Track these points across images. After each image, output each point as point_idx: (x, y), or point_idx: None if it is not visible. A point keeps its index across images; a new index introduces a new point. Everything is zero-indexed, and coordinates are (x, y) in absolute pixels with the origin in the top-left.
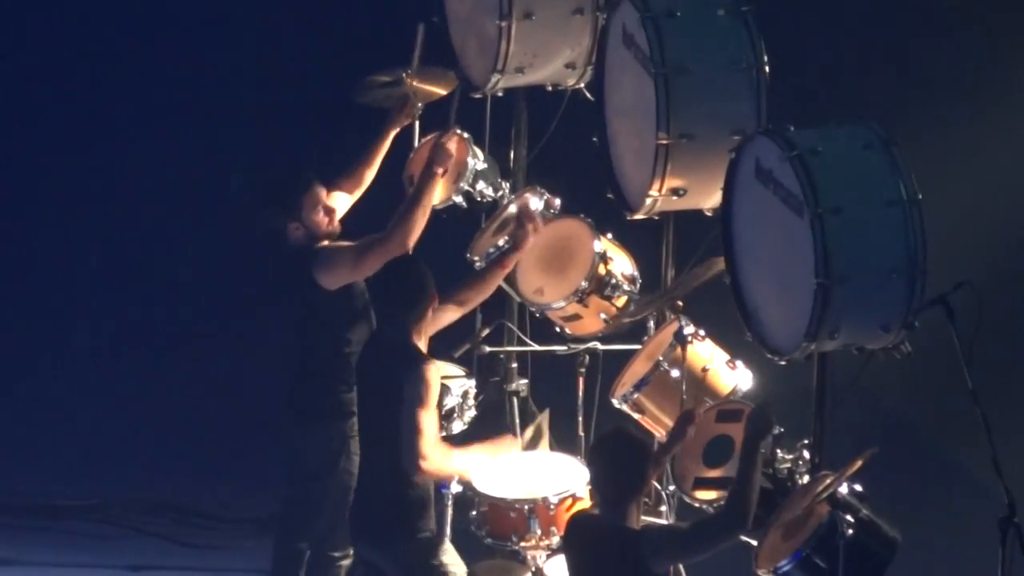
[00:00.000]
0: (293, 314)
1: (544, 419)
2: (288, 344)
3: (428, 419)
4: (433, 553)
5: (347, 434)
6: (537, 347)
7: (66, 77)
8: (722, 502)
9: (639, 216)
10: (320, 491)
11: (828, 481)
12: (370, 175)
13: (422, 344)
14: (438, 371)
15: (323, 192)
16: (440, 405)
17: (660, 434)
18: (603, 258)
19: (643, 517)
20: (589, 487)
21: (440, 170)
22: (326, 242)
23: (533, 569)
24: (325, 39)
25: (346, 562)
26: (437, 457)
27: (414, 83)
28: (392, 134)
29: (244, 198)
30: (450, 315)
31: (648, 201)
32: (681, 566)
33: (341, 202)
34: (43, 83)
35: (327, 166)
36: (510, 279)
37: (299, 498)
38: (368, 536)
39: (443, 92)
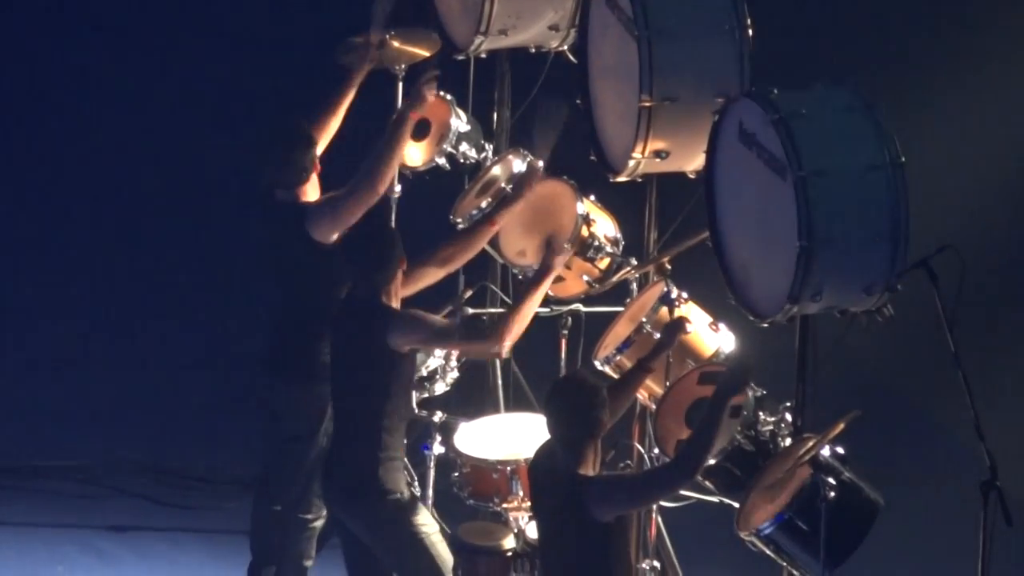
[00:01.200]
0: (277, 275)
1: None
2: (272, 305)
3: (440, 329)
4: (405, 514)
5: (326, 397)
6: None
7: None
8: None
9: (622, 178)
10: (299, 453)
11: (810, 444)
12: (335, 123)
13: (395, 304)
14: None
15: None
16: (419, 368)
17: (643, 396)
18: (586, 220)
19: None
20: None
21: (412, 113)
22: (305, 198)
23: (515, 530)
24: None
25: (318, 523)
26: (504, 333)
27: (396, 44)
28: (356, 82)
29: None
30: (433, 274)
31: (631, 163)
32: (662, 526)
33: None
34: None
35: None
36: (493, 241)
37: (278, 460)
38: (340, 498)
39: (426, 54)
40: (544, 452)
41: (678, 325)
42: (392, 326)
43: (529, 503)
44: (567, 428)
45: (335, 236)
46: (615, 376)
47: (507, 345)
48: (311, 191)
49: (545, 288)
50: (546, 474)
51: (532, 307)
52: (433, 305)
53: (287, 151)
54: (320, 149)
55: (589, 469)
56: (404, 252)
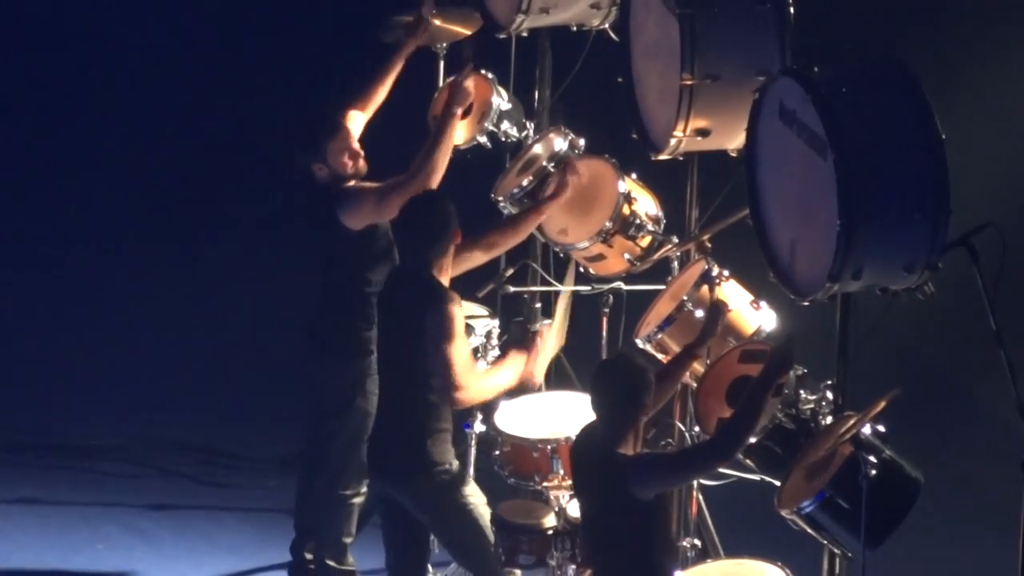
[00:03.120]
0: (317, 252)
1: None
2: (312, 282)
3: (457, 350)
4: (454, 487)
5: (365, 372)
6: (561, 287)
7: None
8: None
9: (663, 156)
10: (335, 428)
11: (851, 422)
12: (382, 92)
13: (444, 280)
14: (461, 306)
15: (351, 137)
16: None
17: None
18: (627, 198)
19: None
20: None
21: (459, 110)
22: (352, 182)
23: (556, 509)
24: None
25: (358, 500)
26: (473, 384)
27: (437, 22)
28: (405, 54)
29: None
30: (477, 258)
31: (672, 142)
32: (703, 504)
33: (355, 122)
34: None
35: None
36: None
37: (318, 435)
38: (388, 472)
39: (467, 32)
40: (586, 433)
41: (718, 310)
42: (440, 302)
43: (572, 483)
44: (611, 409)
45: (367, 224)
46: (659, 357)
47: (431, 183)
48: (344, 182)
49: (453, 126)
50: (587, 455)
51: (443, 147)
52: (475, 283)
53: (312, 136)
54: (365, 119)
55: (629, 450)
56: (459, 226)
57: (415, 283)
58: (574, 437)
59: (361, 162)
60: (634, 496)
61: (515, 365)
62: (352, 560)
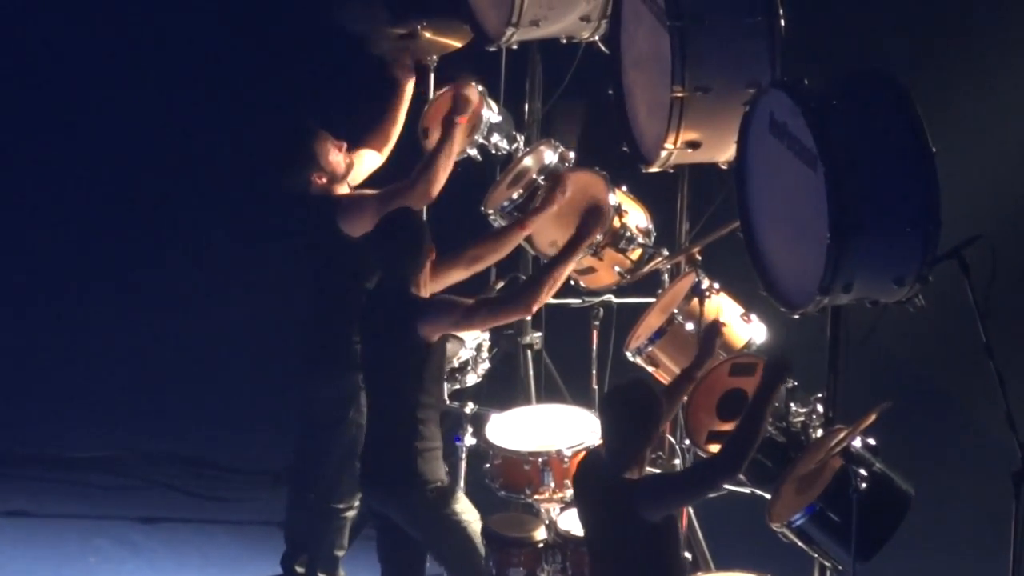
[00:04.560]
0: (311, 263)
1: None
2: (304, 294)
3: (477, 309)
4: (445, 502)
5: (358, 385)
6: (551, 300)
7: None
8: None
9: (654, 169)
10: (328, 441)
11: (842, 435)
12: (395, 131)
13: (424, 295)
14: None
15: (330, 137)
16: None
17: None
18: (618, 211)
19: (651, 470)
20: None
21: (461, 119)
22: (346, 189)
23: (547, 522)
24: None
25: (350, 513)
26: (533, 298)
27: (428, 35)
28: (408, 86)
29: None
30: (459, 273)
31: (663, 154)
32: (693, 518)
33: (370, 159)
34: None
35: (347, 123)
36: None
37: (309, 448)
38: (379, 487)
39: (458, 45)
40: (591, 458)
41: (715, 330)
42: (422, 315)
43: (576, 507)
44: (621, 434)
45: (365, 232)
46: (648, 370)
47: (534, 309)
48: (340, 183)
49: (579, 254)
50: (593, 480)
51: (564, 272)
52: (465, 295)
53: (290, 149)
54: (383, 157)
55: (635, 474)
56: (432, 241)
57: (395, 301)
58: (567, 452)
59: (350, 156)
60: (643, 519)
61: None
62: (343, 574)
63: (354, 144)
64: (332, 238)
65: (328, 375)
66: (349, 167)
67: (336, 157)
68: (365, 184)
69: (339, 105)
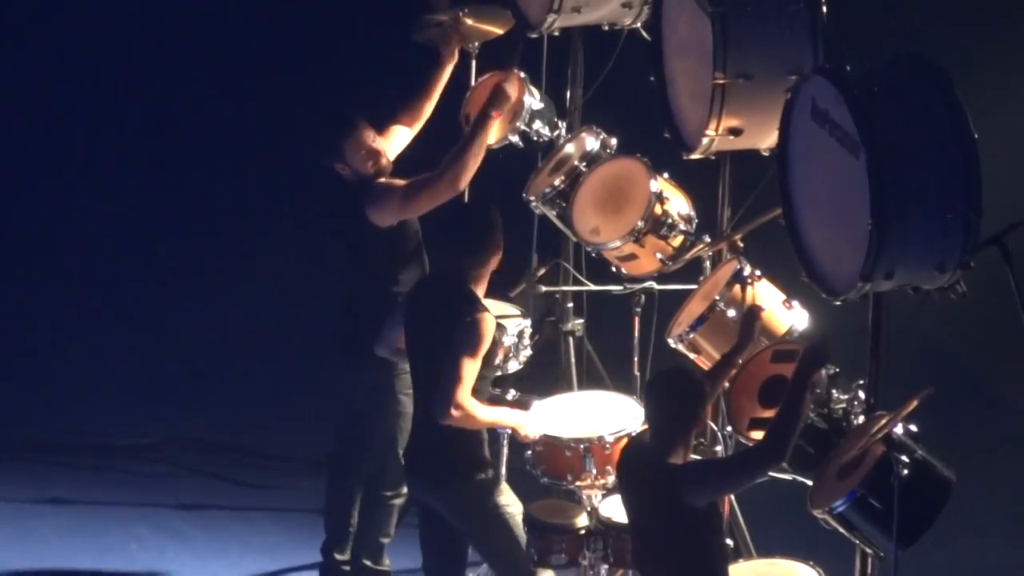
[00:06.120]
0: (345, 251)
1: None
2: (341, 281)
3: (471, 368)
4: (489, 495)
5: (393, 372)
6: (593, 287)
7: None
8: None
9: (695, 156)
10: (367, 428)
11: (883, 421)
12: (429, 108)
13: (480, 292)
14: (493, 323)
15: (368, 136)
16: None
17: None
18: (659, 198)
19: (694, 456)
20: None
21: (496, 113)
22: (381, 179)
23: (588, 508)
24: None
25: (398, 501)
26: (469, 407)
27: (470, 22)
28: (449, 67)
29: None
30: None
31: (705, 141)
32: (735, 504)
33: (401, 135)
34: None
35: (383, 104)
36: (566, 219)
37: (348, 436)
38: (423, 478)
39: (499, 31)
40: (635, 444)
41: (753, 316)
42: (475, 314)
43: (620, 493)
44: (666, 419)
45: (395, 222)
46: (690, 356)
47: (463, 185)
48: (373, 170)
49: (488, 128)
50: (638, 465)
51: (480, 145)
52: (506, 282)
53: (327, 136)
54: (412, 135)
55: (679, 459)
56: (503, 239)
57: (451, 292)
58: (609, 438)
59: (383, 160)
60: (688, 504)
61: (509, 415)
62: (388, 562)
63: (385, 120)
64: (361, 226)
65: (361, 363)
66: (380, 172)
67: (362, 158)
68: (396, 168)
69: (375, 93)
